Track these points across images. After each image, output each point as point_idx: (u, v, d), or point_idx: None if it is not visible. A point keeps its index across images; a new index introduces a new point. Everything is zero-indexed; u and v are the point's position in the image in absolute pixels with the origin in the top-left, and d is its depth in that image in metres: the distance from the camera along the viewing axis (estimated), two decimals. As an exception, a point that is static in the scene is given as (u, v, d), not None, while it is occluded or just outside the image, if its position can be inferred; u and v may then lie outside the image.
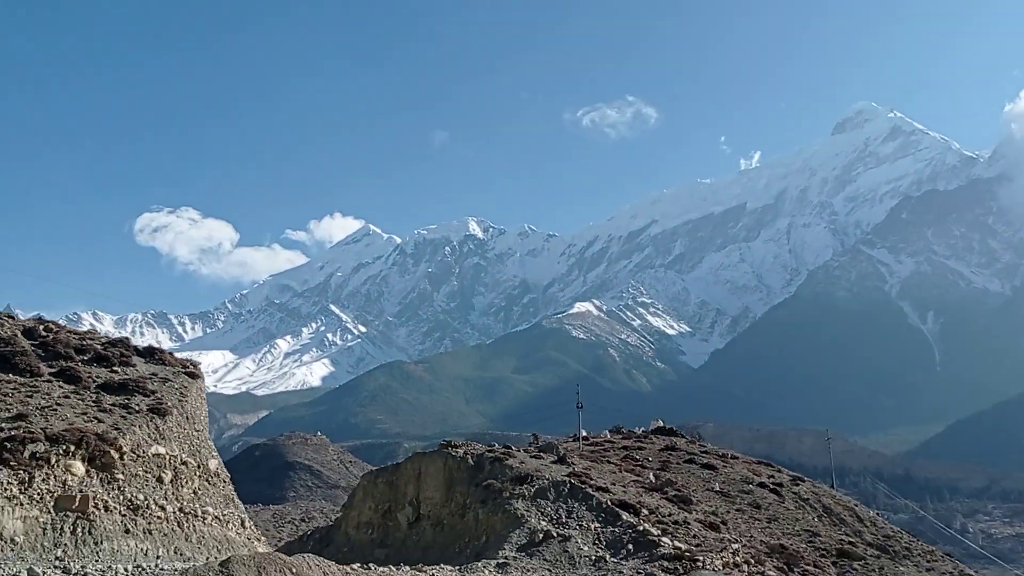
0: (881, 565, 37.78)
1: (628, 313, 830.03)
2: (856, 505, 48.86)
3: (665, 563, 29.34)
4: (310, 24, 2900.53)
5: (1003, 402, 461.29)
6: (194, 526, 28.88)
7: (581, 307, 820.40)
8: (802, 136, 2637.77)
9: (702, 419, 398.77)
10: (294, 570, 20.11)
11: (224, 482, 31.55)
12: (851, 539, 41.24)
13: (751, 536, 35.79)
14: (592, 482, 35.93)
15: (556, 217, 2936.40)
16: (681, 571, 28.66)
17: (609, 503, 34.14)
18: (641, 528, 32.28)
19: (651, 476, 40.69)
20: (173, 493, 28.25)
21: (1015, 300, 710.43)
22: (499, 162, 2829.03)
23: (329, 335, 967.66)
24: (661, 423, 58.08)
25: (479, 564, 28.07)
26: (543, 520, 32.93)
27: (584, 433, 51.32)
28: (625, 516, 33.22)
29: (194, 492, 29.40)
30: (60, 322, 35.62)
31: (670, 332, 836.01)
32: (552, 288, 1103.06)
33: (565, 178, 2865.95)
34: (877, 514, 50.07)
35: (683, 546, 31.26)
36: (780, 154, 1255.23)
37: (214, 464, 31.10)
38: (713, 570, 29.67)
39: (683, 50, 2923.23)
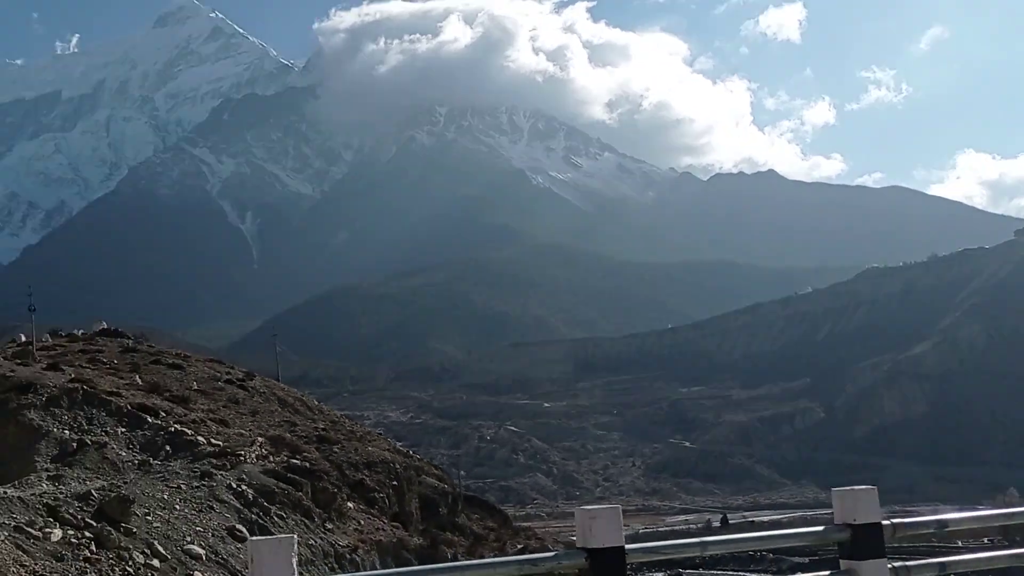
0: (355, 446, 43.27)
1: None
2: (303, 396, 53.89)
3: (213, 460, 31.11)
4: None
5: (315, 296, 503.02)
6: None
7: None
8: (124, 26, 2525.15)
9: (20, 320, 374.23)
10: None
11: None
12: (321, 425, 46.17)
13: (250, 430, 38.74)
14: (99, 387, 35.70)
15: None
16: (229, 467, 30.90)
17: (128, 407, 34.46)
18: (173, 429, 33.42)
19: (138, 379, 41.13)
20: None
21: (324, 203, 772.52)
22: None
23: None
24: (105, 324, 56.93)
25: (31, 479, 27.26)
26: (66, 429, 32.29)
27: (23, 337, 48.77)
28: (149, 419, 33.95)
29: None
30: None
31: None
32: None
33: None
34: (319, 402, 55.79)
35: (220, 443, 33.30)
36: (100, 42, 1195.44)
37: None
38: (251, 463, 32.41)
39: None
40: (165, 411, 35.70)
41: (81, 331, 53.88)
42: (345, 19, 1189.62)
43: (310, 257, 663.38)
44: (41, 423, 32.45)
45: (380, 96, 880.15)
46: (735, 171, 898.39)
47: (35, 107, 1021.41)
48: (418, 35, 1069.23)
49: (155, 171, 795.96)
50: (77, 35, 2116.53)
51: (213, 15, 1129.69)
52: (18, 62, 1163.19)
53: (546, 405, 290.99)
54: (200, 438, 33.18)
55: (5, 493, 23.08)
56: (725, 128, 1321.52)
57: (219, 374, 48.90)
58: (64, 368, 38.26)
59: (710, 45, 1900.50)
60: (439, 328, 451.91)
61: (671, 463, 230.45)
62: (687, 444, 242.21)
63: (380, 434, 55.23)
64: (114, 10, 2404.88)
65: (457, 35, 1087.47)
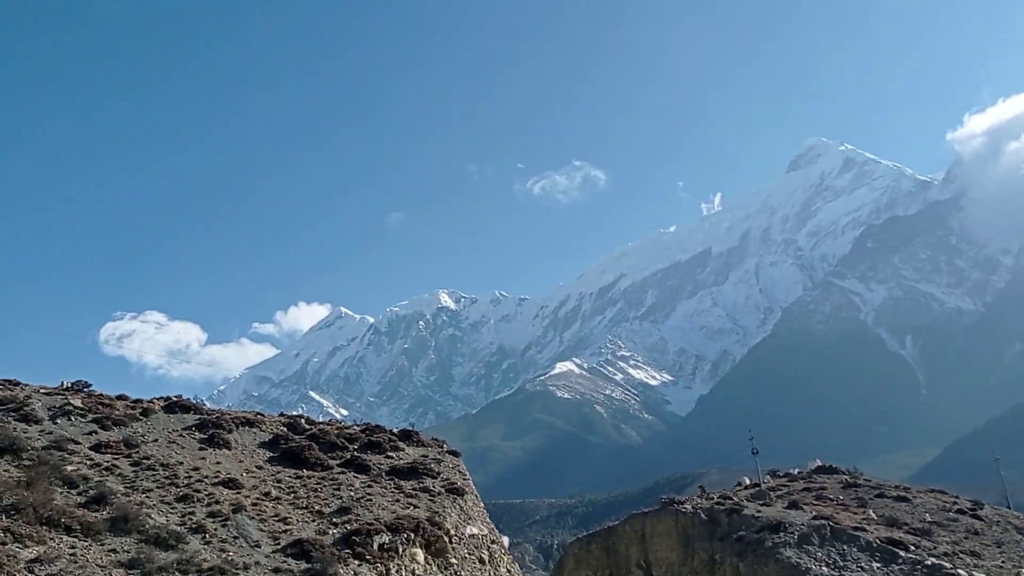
0: None
1: (609, 368, 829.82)
2: (1043, 523, 48.76)
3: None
4: (258, 122, 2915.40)
5: (997, 416, 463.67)
6: (523, 605, 28.33)
7: (562, 367, 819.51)
8: (759, 174, 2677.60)
9: (703, 467, 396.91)
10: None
11: (513, 559, 30.83)
12: (1078, 555, 41.09)
13: (1003, 562, 35.54)
14: (845, 523, 35.54)
15: (526, 281, 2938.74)
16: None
17: (878, 541, 33.73)
18: (930, 563, 31.92)
19: (871, 512, 40.39)
20: (495, 573, 27.61)
21: (988, 316, 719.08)
22: (459, 235, 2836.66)
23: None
24: (819, 462, 57.80)
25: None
26: (824, 566, 32.40)
27: (747, 480, 50.93)
28: (902, 553, 32.82)
29: (508, 570, 28.70)
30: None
31: (653, 383, 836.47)
32: (530, 351, 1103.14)
33: (527, 244, 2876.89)
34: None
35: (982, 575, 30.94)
36: (739, 196, 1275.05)
37: (506, 540, 30.49)
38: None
39: (620, 107, 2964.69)
40: (913, 544, 34.17)
41: (797, 470, 54.72)
42: (981, 122, 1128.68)
43: (983, 375, 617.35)
44: (798, 560, 32.85)
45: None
46: None
47: (690, 267, 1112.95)
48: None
49: (807, 309, 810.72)
50: (719, 193, 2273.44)
51: (843, 148, 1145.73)
52: (671, 229, 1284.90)
53: None
54: (961, 571, 31.03)
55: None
56: None
57: (946, 504, 46.14)
58: (803, 507, 38.80)
59: None
60: None
61: None
62: None
63: None
64: (749, 163, 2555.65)
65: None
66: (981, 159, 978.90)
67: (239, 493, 25.98)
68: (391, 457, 31.56)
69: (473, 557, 27.65)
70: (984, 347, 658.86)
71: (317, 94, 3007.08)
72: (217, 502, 25.02)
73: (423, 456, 32.31)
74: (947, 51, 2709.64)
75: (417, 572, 24.96)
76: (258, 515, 24.89)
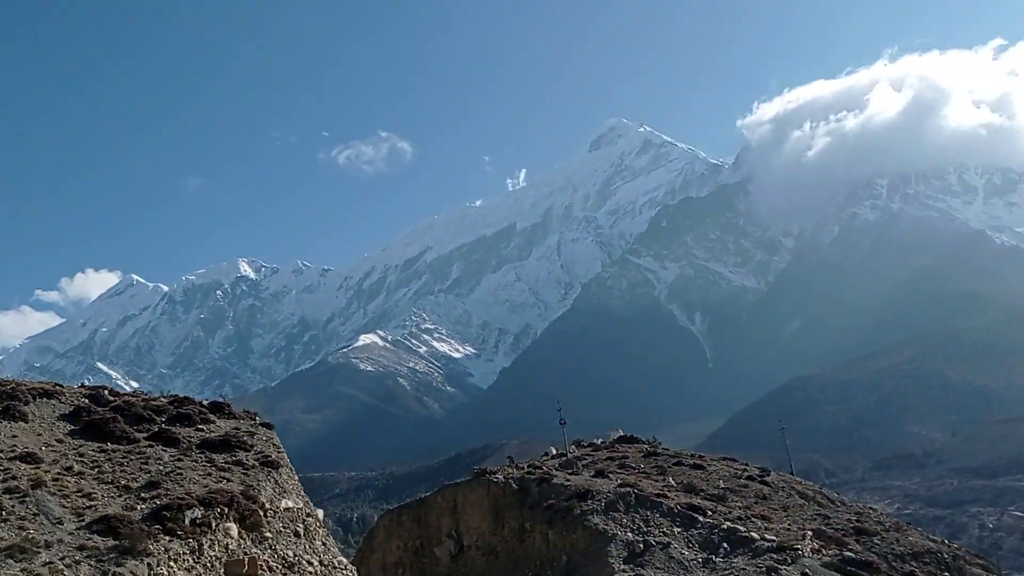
0: (894, 537, 41.02)
1: (413, 341, 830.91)
2: (820, 488, 52.51)
3: (773, 555, 30.94)
4: (44, 67, 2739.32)
5: (775, 389, 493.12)
6: (339, 578, 27.95)
7: (366, 339, 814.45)
8: (563, 152, 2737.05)
9: (504, 438, 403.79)
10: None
11: (328, 532, 30.36)
12: (852, 517, 44.45)
13: (788, 524, 38.07)
14: (648, 490, 37.12)
15: (330, 251, 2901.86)
16: (790, 561, 30.37)
17: (679, 507, 35.44)
18: (725, 527, 33.75)
19: (671, 480, 42.36)
20: (310, 546, 27.17)
21: (770, 294, 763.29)
22: (260, 203, 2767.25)
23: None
24: (621, 432, 59.94)
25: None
26: (629, 532, 33.75)
27: (554, 450, 52.39)
28: (700, 518, 34.62)
29: (323, 543, 28.30)
30: None
31: (456, 356, 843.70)
32: (333, 323, 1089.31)
33: (331, 213, 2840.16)
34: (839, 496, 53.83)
35: (774, 538, 32.97)
36: (543, 173, 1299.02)
37: (320, 513, 30.04)
38: (809, 557, 31.59)
39: (427, 79, 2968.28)
40: (710, 510, 36.16)
41: (600, 439, 56.79)
42: (768, 110, 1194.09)
43: (764, 350, 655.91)
44: (605, 527, 34.13)
45: (813, 180, 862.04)
46: None
47: (495, 242, 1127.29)
48: (844, 112, 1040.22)
49: (605, 285, 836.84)
50: (524, 169, 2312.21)
51: (642, 129, 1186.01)
52: (477, 203, 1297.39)
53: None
54: (754, 534, 33.04)
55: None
56: None
57: (737, 472, 49.04)
58: (609, 475, 40.33)
59: None
60: (914, 410, 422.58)
61: None
62: None
63: (908, 524, 51.75)
64: (552, 141, 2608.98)
65: (886, 104, 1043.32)
66: (767, 146, 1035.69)
67: (38, 468, 24.59)
68: (201, 430, 30.64)
69: (288, 531, 27.27)
70: (766, 323, 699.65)
71: (113, 50, 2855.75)
72: (14, 478, 23.61)
73: (235, 429, 31.53)
74: (740, 42, 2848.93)
75: (231, 547, 24.42)
76: (60, 491, 23.67)
